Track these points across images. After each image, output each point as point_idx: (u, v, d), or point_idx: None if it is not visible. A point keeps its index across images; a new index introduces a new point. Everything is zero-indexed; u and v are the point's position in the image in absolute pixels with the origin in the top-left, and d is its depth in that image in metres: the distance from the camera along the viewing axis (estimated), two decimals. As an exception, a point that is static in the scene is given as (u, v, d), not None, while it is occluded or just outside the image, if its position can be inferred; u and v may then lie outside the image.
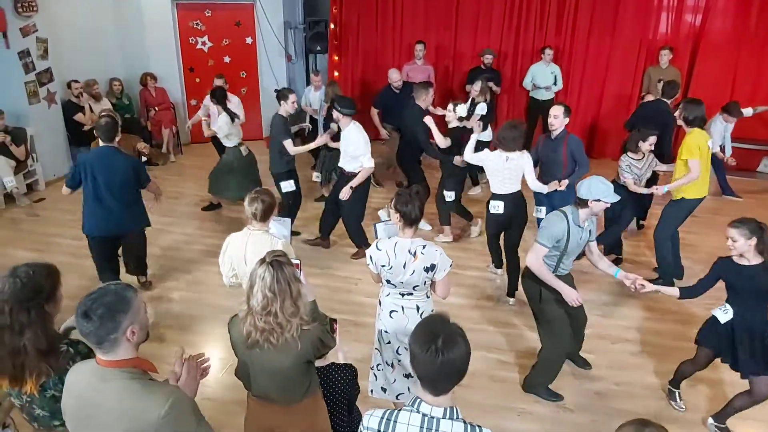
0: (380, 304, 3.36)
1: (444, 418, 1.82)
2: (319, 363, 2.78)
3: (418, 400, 1.87)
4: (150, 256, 5.30)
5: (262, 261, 2.34)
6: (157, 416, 1.80)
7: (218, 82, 7.35)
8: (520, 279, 4.13)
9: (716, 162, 6.52)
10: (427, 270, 3.04)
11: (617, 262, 5.61)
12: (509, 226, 4.98)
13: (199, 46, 9.23)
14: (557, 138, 5.08)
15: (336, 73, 9.37)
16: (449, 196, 5.83)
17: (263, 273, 2.29)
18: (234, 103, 6.75)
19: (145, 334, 1.96)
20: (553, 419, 3.77)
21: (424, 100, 5.93)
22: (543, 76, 8.29)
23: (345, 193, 5.42)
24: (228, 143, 6.46)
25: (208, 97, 6.87)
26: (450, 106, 5.80)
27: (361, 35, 9.35)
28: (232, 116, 6.33)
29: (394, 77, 7.32)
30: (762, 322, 3.39)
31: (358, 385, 3.07)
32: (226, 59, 9.36)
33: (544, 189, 4.99)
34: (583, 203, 3.54)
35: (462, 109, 5.77)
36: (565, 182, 5.06)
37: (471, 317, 4.87)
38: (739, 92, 8.11)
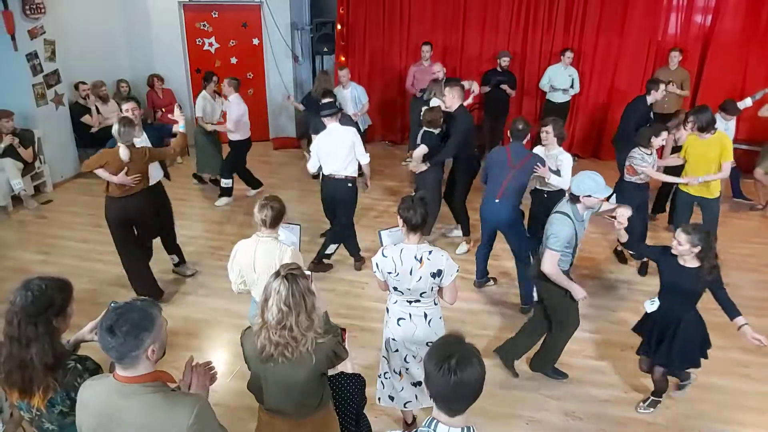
0: (388, 311, 3.35)
1: None
2: (329, 372, 2.77)
3: (435, 420, 1.84)
4: (158, 260, 5.32)
5: (277, 274, 2.33)
6: (186, 426, 1.83)
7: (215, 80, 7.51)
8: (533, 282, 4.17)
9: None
10: (434, 276, 3.02)
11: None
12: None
13: (206, 48, 9.22)
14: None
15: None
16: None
17: (278, 286, 2.28)
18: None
19: (162, 353, 1.98)
20: (562, 427, 3.75)
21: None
22: (560, 79, 8.25)
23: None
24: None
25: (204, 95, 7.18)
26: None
27: (368, 36, 9.32)
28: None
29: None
30: (678, 321, 3.59)
31: (366, 396, 3.06)
32: (233, 60, 9.35)
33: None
34: (575, 199, 3.61)
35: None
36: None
37: (479, 323, 4.85)
38: (750, 93, 8.00)
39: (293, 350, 2.29)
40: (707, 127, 5.08)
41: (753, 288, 5.39)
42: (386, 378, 3.42)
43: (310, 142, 6.91)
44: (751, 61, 8.08)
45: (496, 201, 4.75)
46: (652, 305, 3.69)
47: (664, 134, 5.24)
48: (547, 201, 4.85)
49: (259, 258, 3.32)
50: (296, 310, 2.27)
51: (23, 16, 6.83)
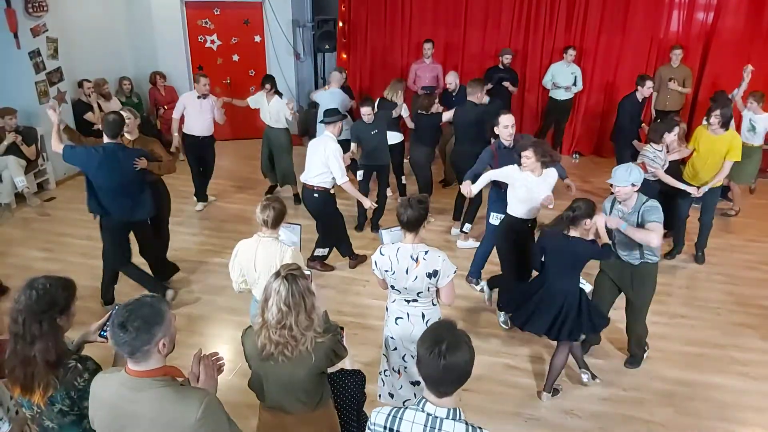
0: (387, 310, 3.38)
1: (447, 418, 1.90)
2: (329, 369, 2.80)
3: (424, 399, 1.95)
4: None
5: (277, 274, 2.36)
6: (194, 420, 1.90)
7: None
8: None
9: None
10: (429, 276, 3.03)
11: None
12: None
13: (207, 45, 9.24)
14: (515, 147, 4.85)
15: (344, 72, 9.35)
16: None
17: (278, 287, 2.31)
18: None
19: (172, 347, 2.04)
20: (560, 425, 3.77)
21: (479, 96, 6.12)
22: (563, 76, 8.25)
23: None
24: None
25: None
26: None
27: (370, 33, 9.32)
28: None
29: (450, 80, 7.34)
30: (565, 292, 3.74)
31: (365, 393, 3.09)
32: (235, 58, 9.38)
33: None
34: None
35: None
36: None
37: (479, 321, 4.88)
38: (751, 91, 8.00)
39: (293, 349, 2.32)
40: (727, 123, 5.17)
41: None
42: (386, 375, 3.45)
43: (312, 138, 6.96)
44: (753, 58, 8.03)
45: None
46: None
47: (677, 129, 5.26)
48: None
49: (259, 258, 3.35)
50: (296, 310, 2.30)
51: (26, 14, 6.86)
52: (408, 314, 3.21)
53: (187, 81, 9.19)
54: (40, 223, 6.69)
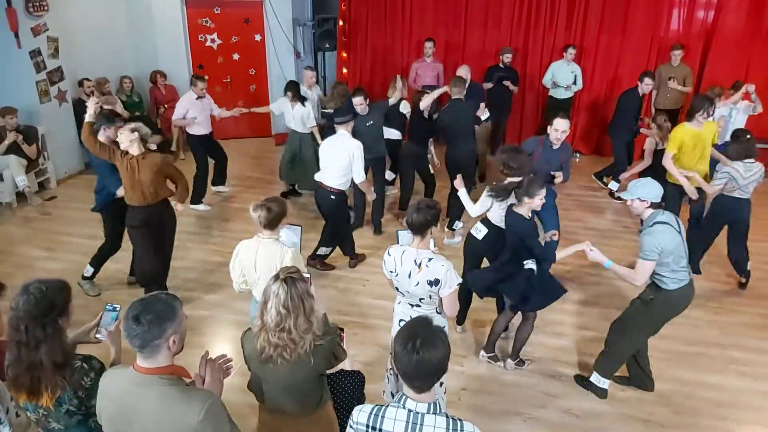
0: (393, 310, 3.39)
1: (428, 413, 1.93)
2: (328, 370, 2.82)
3: (404, 396, 1.98)
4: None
5: (276, 277, 2.37)
6: (196, 420, 1.93)
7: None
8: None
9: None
10: (431, 284, 3.01)
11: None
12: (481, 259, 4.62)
13: (208, 44, 9.25)
14: (558, 148, 4.87)
15: (345, 70, 9.37)
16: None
17: (277, 289, 2.32)
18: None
19: (181, 346, 2.07)
20: (559, 424, 3.79)
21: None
22: (563, 75, 8.26)
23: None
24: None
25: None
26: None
27: (370, 32, 9.33)
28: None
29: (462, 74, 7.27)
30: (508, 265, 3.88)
31: (364, 393, 3.11)
32: (235, 56, 9.38)
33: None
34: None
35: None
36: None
37: (479, 321, 4.88)
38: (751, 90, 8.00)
39: (292, 352, 2.33)
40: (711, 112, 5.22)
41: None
42: (392, 374, 3.46)
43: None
44: (753, 57, 8.06)
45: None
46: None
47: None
48: None
49: (260, 259, 3.36)
50: (295, 313, 2.31)
51: (26, 13, 6.87)
52: (411, 317, 3.20)
53: (187, 80, 9.13)
54: (41, 222, 6.71)
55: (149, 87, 8.81)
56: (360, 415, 2.02)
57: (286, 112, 6.92)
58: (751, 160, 4.91)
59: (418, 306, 3.18)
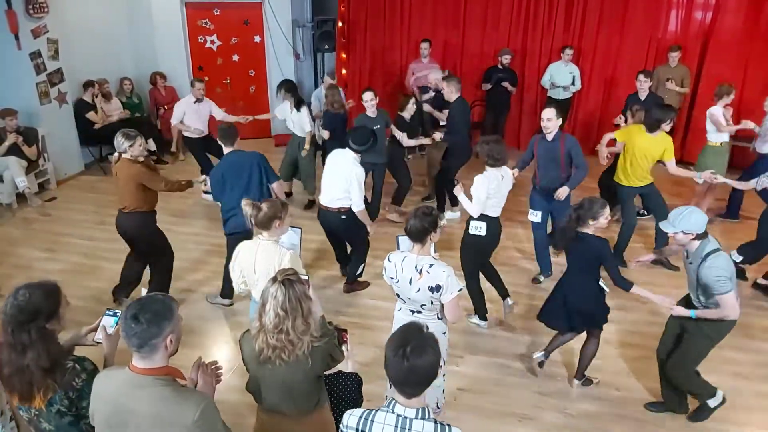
0: (394, 316, 3.39)
1: (416, 418, 1.96)
2: (326, 371, 2.85)
3: (393, 401, 2.00)
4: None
5: (274, 279, 2.40)
6: (191, 421, 1.96)
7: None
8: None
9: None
10: (432, 290, 3.01)
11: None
12: (489, 252, 4.74)
13: (207, 45, 9.27)
14: (554, 139, 4.99)
15: (344, 71, 9.39)
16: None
17: (275, 292, 2.35)
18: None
19: (177, 346, 2.10)
20: (555, 425, 3.82)
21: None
22: (561, 76, 8.30)
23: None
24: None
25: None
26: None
27: (369, 33, 9.34)
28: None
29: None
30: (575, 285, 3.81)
31: (362, 395, 3.13)
32: (235, 58, 9.41)
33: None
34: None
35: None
36: (565, 190, 5.03)
37: (475, 322, 4.91)
38: (750, 91, 8.02)
39: (290, 353, 2.36)
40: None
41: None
42: None
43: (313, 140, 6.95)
44: (751, 58, 8.07)
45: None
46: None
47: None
48: None
49: (259, 260, 3.39)
50: (293, 315, 2.34)
51: (26, 15, 6.89)
52: None
53: (187, 81, 9.19)
54: (41, 223, 6.74)
55: (149, 88, 8.84)
56: (350, 419, 2.04)
57: (287, 116, 6.91)
58: None
59: (419, 312, 3.16)
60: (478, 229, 4.43)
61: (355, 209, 4.86)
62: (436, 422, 1.96)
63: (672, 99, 7.88)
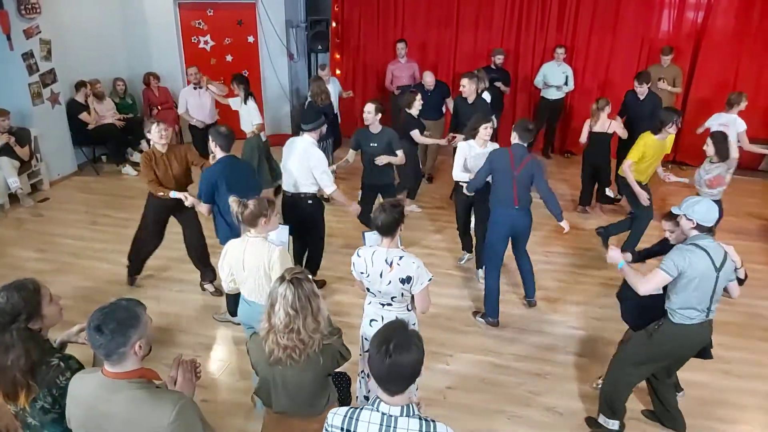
0: (363, 310, 3.41)
1: (401, 415, 1.96)
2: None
3: (378, 399, 2.00)
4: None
5: (282, 279, 2.38)
6: (166, 422, 1.93)
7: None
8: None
9: None
10: (402, 282, 3.04)
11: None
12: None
13: (201, 46, 9.28)
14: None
15: (338, 71, 9.40)
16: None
17: (284, 291, 2.34)
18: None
19: (148, 349, 2.07)
20: (542, 422, 3.82)
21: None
22: (554, 76, 8.32)
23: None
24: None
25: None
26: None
27: (363, 33, 9.37)
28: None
29: (428, 80, 7.52)
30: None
31: (350, 394, 3.15)
32: (228, 58, 9.41)
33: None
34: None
35: None
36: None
37: (463, 319, 4.92)
38: (741, 90, 8.04)
39: (301, 353, 2.36)
40: None
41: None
42: (363, 377, 3.49)
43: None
44: (743, 58, 8.11)
45: (516, 208, 4.57)
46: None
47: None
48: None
49: (248, 257, 3.38)
50: (303, 314, 2.33)
51: (19, 15, 6.88)
52: (382, 317, 3.22)
53: (180, 82, 9.23)
54: (33, 223, 6.73)
55: (142, 89, 8.82)
56: (335, 418, 2.04)
57: (239, 108, 6.79)
58: None
59: (389, 305, 3.20)
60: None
61: (327, 192, 4.75)
62: (421, 419, 1.96)
63: (664, 99, 7.91)
